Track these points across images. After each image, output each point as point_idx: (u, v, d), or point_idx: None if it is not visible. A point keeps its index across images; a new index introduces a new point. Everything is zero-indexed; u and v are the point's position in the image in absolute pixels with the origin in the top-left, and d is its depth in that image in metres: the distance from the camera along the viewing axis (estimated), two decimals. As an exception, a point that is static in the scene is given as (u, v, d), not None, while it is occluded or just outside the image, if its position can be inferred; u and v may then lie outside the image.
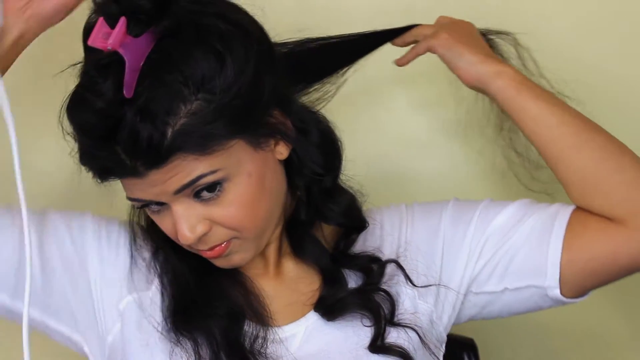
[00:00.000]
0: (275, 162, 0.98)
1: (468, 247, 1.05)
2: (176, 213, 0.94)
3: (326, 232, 1.07)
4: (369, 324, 1.01)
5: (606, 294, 1.18)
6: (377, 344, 1.01)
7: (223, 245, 0.97)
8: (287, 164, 1.01)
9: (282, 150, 0.99)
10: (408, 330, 1.02)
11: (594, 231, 1.02)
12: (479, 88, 1.09)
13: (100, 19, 0.87)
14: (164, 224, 0.98)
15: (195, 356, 0.98)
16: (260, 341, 1.00)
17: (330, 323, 1.02)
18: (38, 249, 1.01)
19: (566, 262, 1.02)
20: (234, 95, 0.89)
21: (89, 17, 0.93)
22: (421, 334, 1.02)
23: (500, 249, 1.04)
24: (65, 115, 0.91)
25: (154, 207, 0.96)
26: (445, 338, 1.09)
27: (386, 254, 1.07)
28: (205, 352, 0.98)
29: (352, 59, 1.11)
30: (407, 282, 1.05)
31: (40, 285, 1.01)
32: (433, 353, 1.04)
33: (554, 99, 1.06)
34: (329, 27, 1.11)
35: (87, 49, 0.92)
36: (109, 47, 0.85)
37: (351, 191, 1.07)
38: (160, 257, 1.04)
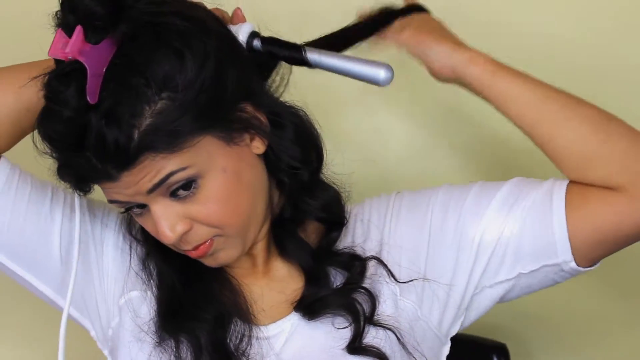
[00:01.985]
0: (253, 157, 0.98)
1: (459, 240, 1.02)
2: (155, 213, 0.95)
3: (310, 231, 1.06)
4: (348, 324, 1.00)
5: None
6: (354, 345, 1.00)
7: (207, 243, 0.97)
8: (268, 160, 1.01)
9: (259, 145, 0.98)
10: (386, 329, 1.00)
11: (595, 202, 0.99)
12: (452, 79, 1.05)
13: (59, 30, 0.88)
14: (147, 225, 0.99)
15: (175, 357, 0.99)
16: (246, 340, 1.00)
17: (312, 322, 1.02)
18: (69, 237, 1.05)
19: (573, 235, 0.99)
20: (197, 90, 0.90)
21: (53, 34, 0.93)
22: (398, 334, 1.01)
23: (501, 238, 1.01)
24: (38, 132, 0.92)
25: (136, 210, 0.97)
26: (437, 334, 1.05)
27: (371, 246, 1.05)
28: (185, 354, 0.99)
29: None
30: (390, 278, 1.03)
31: (60, 271, 1.05)
32: (410, 353, 1.02)
33: (532, 78, 1.02)
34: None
35: (55, 64, 0.92)
36: (69, 56, 0.87)
37: (334, 187, 1.07)
38: (152, 259, 1.06)
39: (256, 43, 1.00)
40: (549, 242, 1.00)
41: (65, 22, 0.89)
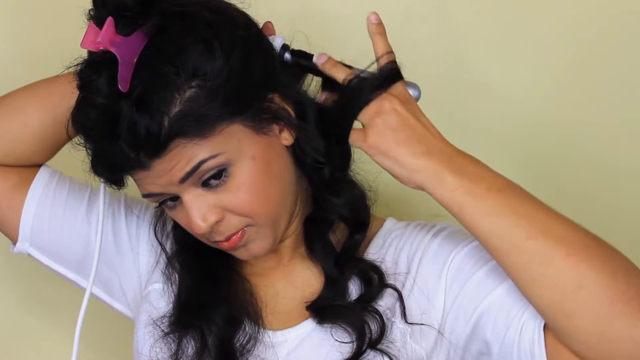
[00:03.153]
0: (282, 148, 1.00)
1: (457, 309, 0.99)
2: (187, 203, 0.96)
3: (338, 233, 1.06)
4: (349, 340, 0.99)
5: None
6: None
7: (239, 234, 0.99)
8: (295, 152, 1.02)
9: (287, 137, 1.00)
10: (385, 357, 0.98)
11: None
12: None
13: (90, 24, 0.92)
14: (180, 218, 1.00)
15: (176, 350, 1.02)
16: (252, 343, 1.02)
17: (319, 335, 1.01)
18: (112, 234, 1.12)
19: None
20: (225, 78, 0.92)
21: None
22: None
23: (496, 338, 0.96)
24: (72, 123, 0.95)
25: (169, 204, 0.99)
26: None
27: (397, 277, 1.03)
28: (186, 348, 1.02)
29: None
30: (402, 317, 1.00)
31: (108, 266, 1.12)
32: None
33: (506, 210, 0.91)
34: (328, 32, 1.11)
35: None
36: (100, 47, 0.89)
37: (360, 186, 1.06)
38: (177, 258, 1.09)
39: (287, 56, 1.03)
40: None
41: (97, 15, 0.92)
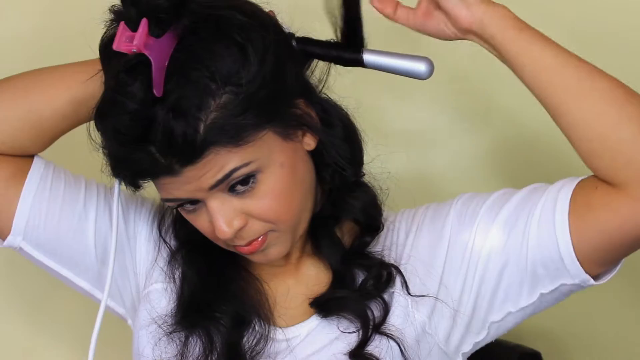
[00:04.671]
0: (305, 153, 0.99)
1: (469, 256, 0.99)
2: (212, 209, 0.94)
3: (345, 230, 1.06)
4: (354, 329, 1.00)
5: None
6: (357, 352, 0.99)
7: (260, 239, 0.98)
8: (314, 156, 1.01)
9: (310, 141, 0.99)
10: (390, 340, 1.00)
11: (597, 209, 0.93)
12: (469, 31, 0.97)
13: (122, 24, 0.88)
14: (199, 222, 0.98)
15: (182, 350, 1.01)
16: (262, 342, 1.01)
17: (325, 328, 1.02)
18: (110, 232, 1.06)
19: (579, 250, 0.94)
20: (259, 85, 0.90)
21: (108, 27, 0.94)
22: (402, 347, 1.00)
23: (509, 261, 0.97)
24: (96, 124, 0.92)
25: (189, 207, 0.97)
26: (445, 350, 1.03)
27: (394, 255, 1.04)
28: (193, 349, 1.01)
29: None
30: (403, 290, 1.01)
31: (96, 266, 1.08)
32: None
33: (555, 43, 0.96)
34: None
35: (108, 58, 0.93)
36: (134, 49, 0.87)
37: (373, 188, 1.07)
38: (182, 254, 1.07)
39: (293, 44, 1.01)
40: (558, 262, 0.95)
41: (128, 15, 0.89)
